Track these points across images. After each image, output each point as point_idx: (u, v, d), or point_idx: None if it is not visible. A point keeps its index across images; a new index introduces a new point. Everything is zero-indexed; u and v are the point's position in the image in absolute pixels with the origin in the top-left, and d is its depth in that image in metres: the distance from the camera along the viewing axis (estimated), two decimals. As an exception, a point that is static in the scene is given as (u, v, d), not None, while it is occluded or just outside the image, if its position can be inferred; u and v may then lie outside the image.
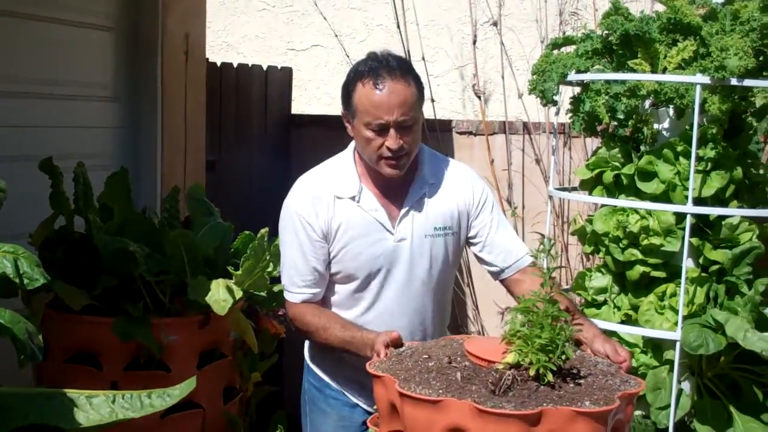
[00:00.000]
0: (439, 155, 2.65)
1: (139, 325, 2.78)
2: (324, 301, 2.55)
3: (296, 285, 2.51)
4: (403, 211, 2.49)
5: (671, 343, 2.95)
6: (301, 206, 2.49)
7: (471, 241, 2.61)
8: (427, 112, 4.85)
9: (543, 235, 2.61)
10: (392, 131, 2.37)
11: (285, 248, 2.54)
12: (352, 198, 2.48)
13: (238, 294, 2.86)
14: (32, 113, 3.45)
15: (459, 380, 1.93)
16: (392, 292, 2.52)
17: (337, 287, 2.55)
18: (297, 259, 2.50)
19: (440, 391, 1.90)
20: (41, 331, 2.82)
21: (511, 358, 1.96)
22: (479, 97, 4.84)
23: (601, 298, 3.22)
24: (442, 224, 2.52)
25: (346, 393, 2.61)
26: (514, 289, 2.59)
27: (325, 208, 2.47)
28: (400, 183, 2.50)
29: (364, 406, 2.59)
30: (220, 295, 2.77)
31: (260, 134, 4.91)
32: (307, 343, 2.70)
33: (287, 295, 2.54)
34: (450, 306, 2.73)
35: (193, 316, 2.90)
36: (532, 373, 1.94)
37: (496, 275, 2.62)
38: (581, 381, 2.00)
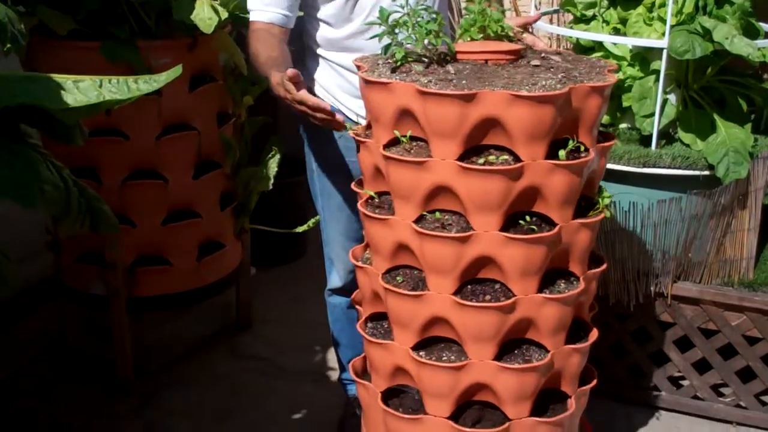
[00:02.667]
0: None
1: (127, 48, 2.78)
2: (314, 25, 2.54)
3: (257, 4, 2.43)
4: None
5: (658, 54, 2.95)
6: None
7: None
8: None
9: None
10: None
11: None
12: None
13: (224, 14, 2.83)
14: None
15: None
16: None
17: (324, 8, 2.51)
18: None
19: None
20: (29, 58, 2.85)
21: None
22: None
23: (590, 13, 3.18)
24: None
25: (345, 111, 2.63)
26: None
27: None
28: None
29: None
30: (205, 14, 2.75)
31: None
32: (303, 68, 2.70)
33: (252, 15, 2.45)
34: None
35: (180, 39, 2.89)
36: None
37: None
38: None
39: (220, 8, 2.82)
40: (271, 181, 3.23)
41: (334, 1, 2.50)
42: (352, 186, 2.24)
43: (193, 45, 2.90)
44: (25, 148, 1.70)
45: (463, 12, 2.21)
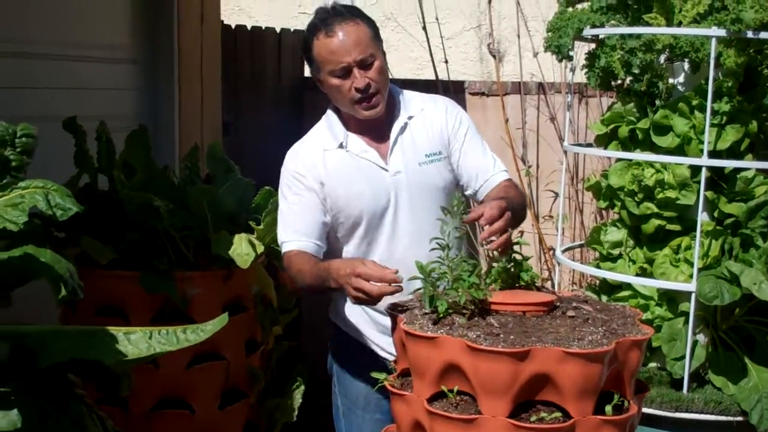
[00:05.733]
0: (415, 92, 2.69)
1: (164, 279, 2.84)
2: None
3: (290, 236, 2.54)
4: (391, 144, 2.55)
5: (686, 296, 2.98)
6: (293, 163, 2.57)
7: (451, 164, 2.62)
8: (441, 73, 4.87)
9: (557, 194, 2.65)
10: (355, 71, 2.45)
11: (281, 205, 2.60)
12: (340, 146, 2.55)
13: (260, 248, 2.91)
14: (51, 75, 3.48)
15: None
16: (404, 229, 2.55)
17: (350, 241, 2.58)
18: (291, 212, 2.55)
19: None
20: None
21: None
22: (494, 56, 4.85)
23: (616, 251, 3.25)
24: (431, 150, 2.57)
25: (374, 348, 2.64)
26: None
27: (317, 161, 2.54)
28: (383, 123, 2.57)
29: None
30: (242, 249, 2.82)
31: (274, 97, 4.95)
32: (331, 303, 2.75)
33: (282, 247, 2.55)
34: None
35: (216, 270, 2.95)
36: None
37: (475, 199, 2.63)
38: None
39: (257, 242, 2.90)
40: (296, 412, 3.20)
41: (351, 240, 2.58)
42: None
43: (228, 276, 2.97)
44: (74, 402, 1.70)
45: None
